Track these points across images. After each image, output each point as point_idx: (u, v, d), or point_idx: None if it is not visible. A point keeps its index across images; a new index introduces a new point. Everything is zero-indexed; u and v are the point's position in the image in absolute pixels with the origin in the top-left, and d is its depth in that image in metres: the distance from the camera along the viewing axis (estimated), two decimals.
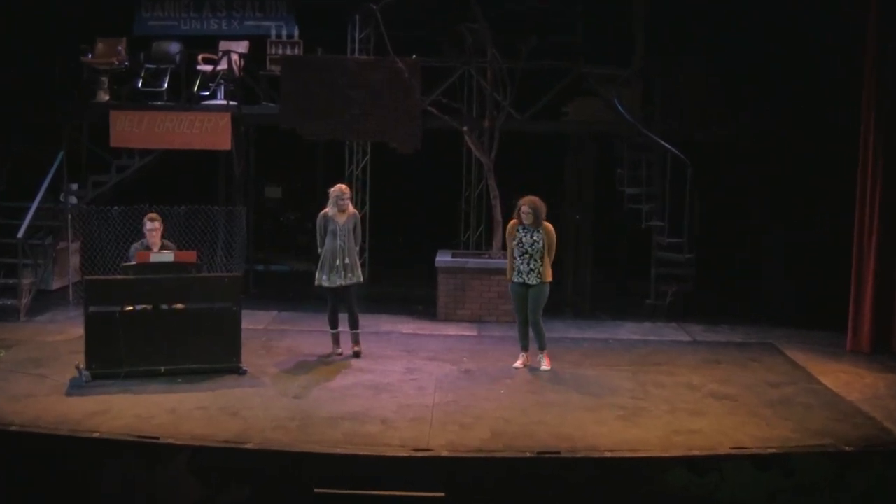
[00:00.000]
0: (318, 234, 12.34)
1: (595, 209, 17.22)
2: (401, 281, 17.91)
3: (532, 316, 11.91)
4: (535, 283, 11.84)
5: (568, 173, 17.74)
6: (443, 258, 15.38)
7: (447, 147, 17.41)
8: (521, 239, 11.85)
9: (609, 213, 17.37)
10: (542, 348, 12.08)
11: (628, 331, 14.63)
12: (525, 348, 12.17)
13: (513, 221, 12.04)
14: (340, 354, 12.44)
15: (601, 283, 17.32)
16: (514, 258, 11.90)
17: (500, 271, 14.63)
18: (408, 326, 14.59)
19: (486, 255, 15.60)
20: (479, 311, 15.03)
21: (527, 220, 11.80)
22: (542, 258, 11.82)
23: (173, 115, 15.83)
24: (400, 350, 13.01)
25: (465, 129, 15.63)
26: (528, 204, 11.81)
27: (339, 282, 12.19)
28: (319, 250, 12.33)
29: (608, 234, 17.81)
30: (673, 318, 15.28)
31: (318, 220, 12.34)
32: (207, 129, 15.75)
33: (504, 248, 12.40)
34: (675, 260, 15.55)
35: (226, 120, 15.81)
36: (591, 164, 17.27)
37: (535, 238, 11.80)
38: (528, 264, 11.82)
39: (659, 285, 15.67)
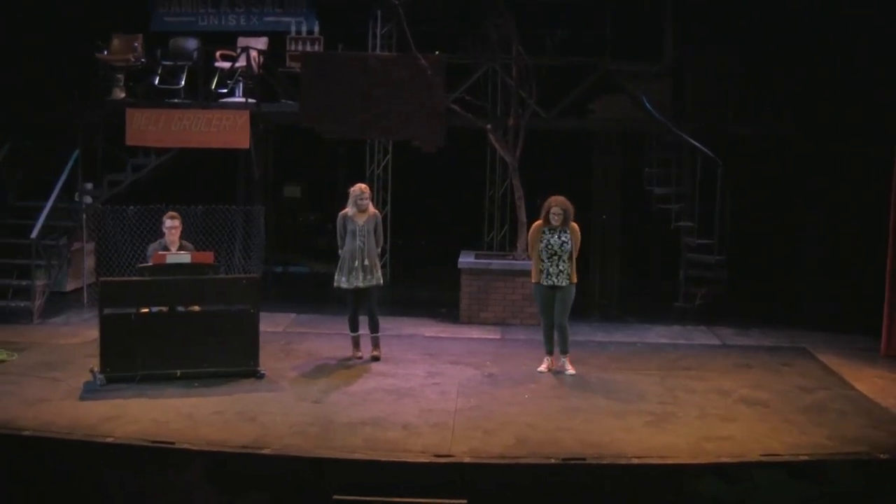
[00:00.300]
0: (338, 235, 12.35)
1: (623, 209, 17.17)
2: (423, 283, 17.89)
3: (560, 318, 11.88)
4: (564, 284, 11.82)
5: (595, 173, 17.69)
6: (466, 259, 15.35)
7: (471, 146, 17.39)
8: (548, 241, 11.79)
9: (637, 214, 17.30)
10: (565, 352, 12.06)
11: (657, 334, 14.57)
12: (550, 352, 12.14)
13: (537, 223, 11.98)
14: (361, 358, 12.44)
15: (629, 286, 17.27)
16: (542, 260, 11.84)
17: (525, 273, 14.60)
18: (430, 329, 14.58)
19: (511, 257, 15.56)
20: (503, 314, 15.00)
21: (556, 221, 11.75)
22: (570, 259, 11.79)
23: (191, 113, 15.86)
24: (422, 353, 12.99)
25: (489, 127, 15.60)
26: (558, 205, 11.76)
27: (357, 283, 12.18)
28: (339, 251, 12.33)
29: (636, 235, 17.74)
30: (703, 321, 15.20)
31: (338, 221, 12.33)
32: (225, 127, 15.77)
33: (527, 249, 12.26)
34: (705, 262, 15.47)
35: (244, 118, 15.83)
36: (619, 164, 17.22)
37: (563, 239, 11.77)
38: (558, 266, 11.77)
39: (688, 287, 15.59)
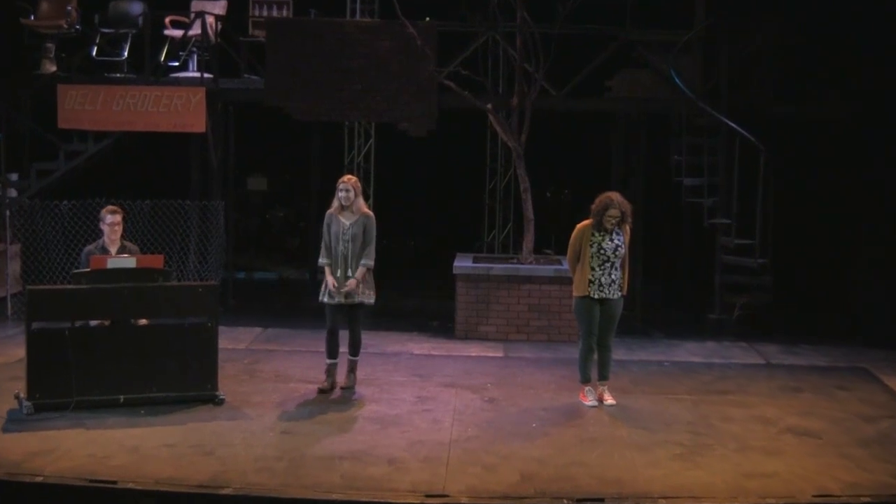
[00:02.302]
0: (322, 239, 12.02)
1: (646, 204, 17.15)
2: (411, 291, 17.87)
3: (608, 337, 11.68)
4: (616, 297, 11.67)
5: (614, 161, 17.67)
6: (462, 263, 15.31)
7: (468, 130, 17.39)
8: (600, 245, 11.56)
9: (664, 209, 17.28)
10: (606, 378, 11.91)
11: (688, 351, 14.59)
12: (589, 379, 11.94)
13: (584, 224, 11.71)
14: (330, 391, 12.11)
15: (654, 294, 17.24)
16: (592, 269, 11.61)
17: (532, 279, 14.60)
18: (420, 346, 14.57)
19: (515, 260, 15.53)
20: (507, 328, 14.99)
21: (610, 225, 11.53)
22: (622, 266, 11.65)
23: (135, 90, 15.82)
24: (410, 375, 12.96)
25: (489, 107, 15.55)
26: (617, 206, 11.47)
27: (339, 299, 11.94)
28: (320, 260, 11.98)
29: (663, 235, 17.72)
30: (742, 335, 15.19)
31: (325, 220, 12.03)
32: (177, 107, 15.74)
33: (574, 256, 11.89)
34: (744, 265, 15.45)
35: (199, 96, 15.79)
36: (642, 150, 17.20)
37: (616, 242, 11.54)
38: (610, 275, 11.57)
39: (725, 296, 15.57)
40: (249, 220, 21.09)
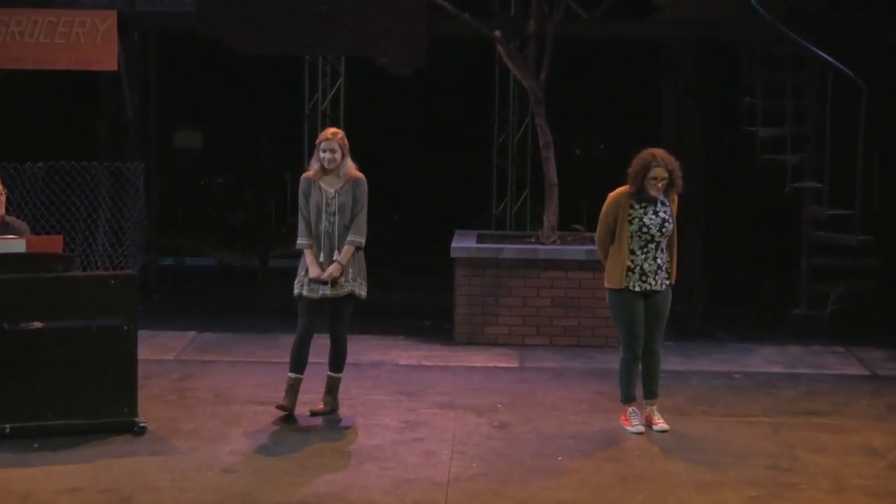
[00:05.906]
0: (299, 213, 11.86)
1: (709, 162, 17.13)
2: (396, 281, 17.86)
3: (654, 341, 11.61)
4: (663, 287, 11.56)
5: (665, 104, 17.66)
6: (463, 244, 15.33)
7: (469, 66, 17.37)
8: (641, 220, 11.45)
9: (731, 169, 17.28)
10: (654, 395, 11.84)
11: (764, 359, 14.63)
12: (634, 398, 11.88)
13: (621, 191, 11.59)
14: (291, 411, 11.93)
15: (720, 281, 17.23)
16: (633, 253, 11.51)
17: (556, 265, 14.59)
18: (408, 354, 14.63)
19: (534, 240, 15.52)
20: (522, 329, 15.02)
21: (657, 190, 11.41)
22: (669, 247, 11.54)
23: (22, 14, 15.81)
24: (395, 392, 12.98)
25: (497, 35, 15.50)
26: (662, 164, 11.34)
27: (324, 291, 11.75)
28: (299, 241, 11.80)
29: (731, 202, 17.72)
30: (838, 337, 15.19)
31: (301, 189, 11.88)
32: (79, 37, 15.71)
33: (604, 236, 11.83)
34: (841, 243, 15.42)
35: (109, 23, 15.75)
36: (703, 90, 17.17)
37: (663, 216, 11.38)
38: (655, 259, 11.45)
39: (815, 285, 15.56)
40: (178, 187, 21.09)
